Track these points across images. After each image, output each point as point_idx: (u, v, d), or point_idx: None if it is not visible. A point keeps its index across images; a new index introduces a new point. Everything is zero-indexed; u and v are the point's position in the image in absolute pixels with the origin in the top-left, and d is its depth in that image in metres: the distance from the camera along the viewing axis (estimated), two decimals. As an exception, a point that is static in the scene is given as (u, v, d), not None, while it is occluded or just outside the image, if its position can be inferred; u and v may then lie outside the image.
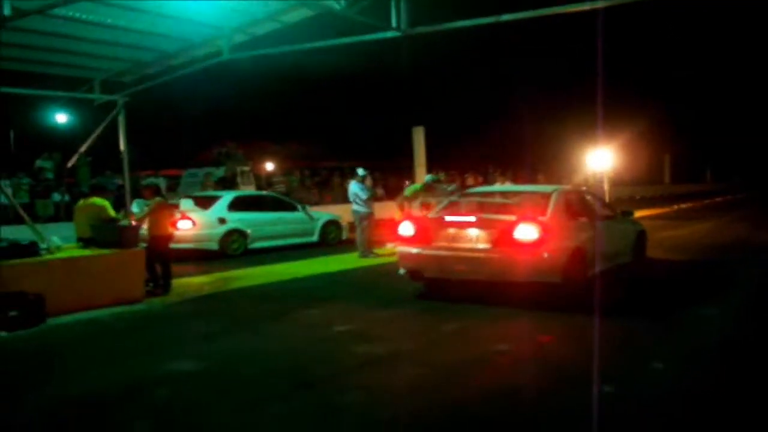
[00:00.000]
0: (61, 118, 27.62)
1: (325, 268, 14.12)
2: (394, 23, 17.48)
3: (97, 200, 11.55)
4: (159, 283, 11.47)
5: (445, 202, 11.90)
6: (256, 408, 5.75)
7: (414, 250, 10.48)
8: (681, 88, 52.03)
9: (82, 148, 16.61)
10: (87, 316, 9.55)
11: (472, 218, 10.22)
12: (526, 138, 43.41)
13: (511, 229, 9.64)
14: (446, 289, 10.65)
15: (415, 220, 10.98)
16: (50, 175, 23.74)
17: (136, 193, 15.51)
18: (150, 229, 11.57)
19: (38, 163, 24.52)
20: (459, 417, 5.50)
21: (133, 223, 11.60)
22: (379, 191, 24.91)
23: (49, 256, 10.05)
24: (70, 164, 17.17)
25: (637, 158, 45.41)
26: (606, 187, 28.88)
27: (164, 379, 6.61)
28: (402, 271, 10.83)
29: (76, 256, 10.38)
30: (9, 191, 21.20)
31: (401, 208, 14.94)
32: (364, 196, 15.44)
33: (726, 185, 62.74)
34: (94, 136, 16.63)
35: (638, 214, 19.85)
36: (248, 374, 6.73)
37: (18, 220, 13.33)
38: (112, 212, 11.45)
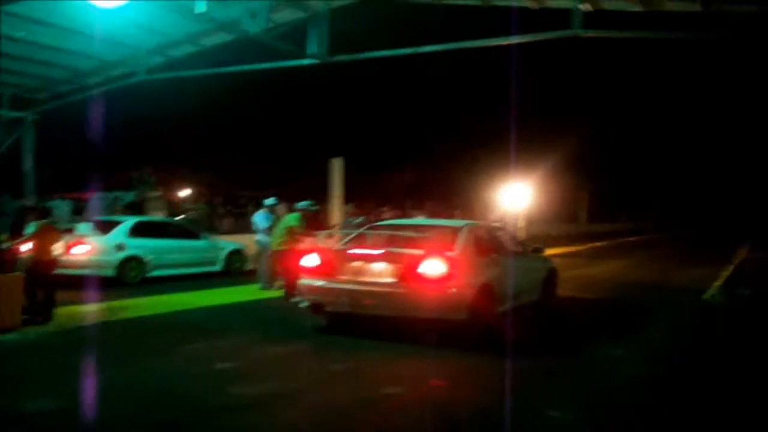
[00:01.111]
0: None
1: (222, 300, 13.40)
2: (312, 50, 17.15)
3: (-24, 221, 10.65)
4: (39, 311, 10.60)
5: (353, 234, 11.43)
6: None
7: (317, 283, 9.96)
8: (600, 127, 52.96)
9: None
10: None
11: (377, 251, 9.79)
12: (446, 174, 43.42)
13: (418, 263, 9.21)
14: (349, 324, 10.12)
15: (320, 252, 10.45)
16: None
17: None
18: (34, 253, 10.76)
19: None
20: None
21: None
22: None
23: None
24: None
25: (554, 195, 45.79)
26: (520, 224, 28.85)
27: (17, 419, 5.89)
28: (304, 304, 10.29)
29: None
30: None
31: (293, 239, 13.92)
32: (265, 225, 14.84)
33: (639, 225, 63.93)
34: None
35: (552, 251, 19.74)
36: (106, 415, 6.03)
37: None
38: (-8, 234, 10.56)
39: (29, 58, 14.75)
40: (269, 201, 15.03)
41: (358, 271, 9.65)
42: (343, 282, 9.70)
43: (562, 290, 14.08)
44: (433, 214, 29.70)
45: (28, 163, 18.94)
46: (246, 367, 7.91)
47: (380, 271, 9.48)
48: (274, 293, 14.11)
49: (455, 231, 10.32)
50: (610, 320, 12.19)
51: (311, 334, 9.93)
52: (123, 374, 7.56)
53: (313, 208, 14.36)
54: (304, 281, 10.18)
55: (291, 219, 13.95)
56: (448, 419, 6.06)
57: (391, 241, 10.40)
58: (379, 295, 9.37)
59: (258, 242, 15.15)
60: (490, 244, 11.12)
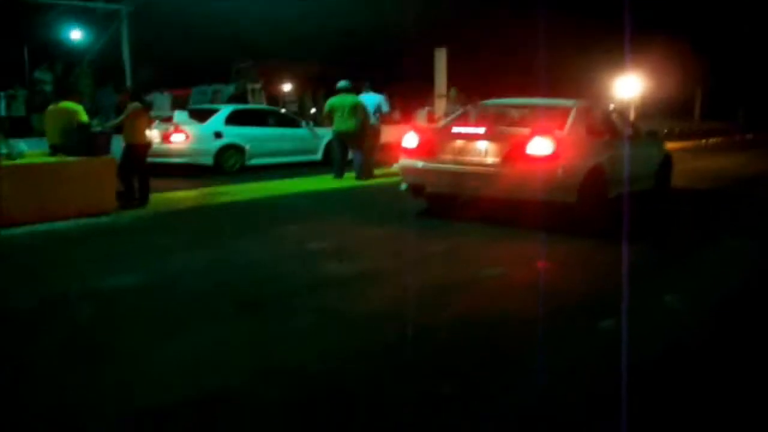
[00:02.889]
0: (75, 34, 26.36)
1: (321, 186, 12.99)
2: None
3: (69, 104, 10.26)
4: (135, 195, 10.42)
5: (456, 113, 10.72)
6: (180, 332, 4.74)
7: (417, 164, 9.35)
8: (720, 21, 49.55)
9: (84, 60, 15.70)
10: (44, 227, 8.42)
11: (481, 130, 9.07)
12: (555, 65, 41.82)
13: (525, 142, 8.48)
14: (451, 208, 9.59)
15: (420, 131, 9.81)
16: (48, 88, 22.63)
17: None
18: (125, 136, 10.51)
19: (36, 74, 23.41)
20: (417, 348, 4.47)
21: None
22: (396, 115, 23.67)
23: (4, 162, 8.93)
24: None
25: (667, 91, 43.60)
26: (632, 116, 27.46)
27: (94, 294, 5.59)
28: (403, 186, 9.75)
29: (36, 163, 9.26)
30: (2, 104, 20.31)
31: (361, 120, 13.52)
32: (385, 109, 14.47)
33: (757, 122, 60.56)
34: (96, 47, 15.76)
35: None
36: (192, 292, 5.70)
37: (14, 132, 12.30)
38: (84, 117, 10.21)
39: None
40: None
41: (461, 151, 8.99)
42: (444, 162, 9.07)
43: (676, 181, 13.07)
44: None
45: (125, 54, 18.85)
46: (338, 248, 7.46)
47: (485, 151, 8.80)
48: (374, 180, 13.56)
49: (565, 110, 9.45)
50: (729, 212, 11.16)
51: (410, 218, 9.41)
52: (211, 254, 7.23)
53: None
54: (404, 162, 9.60)
55: (356, 99, 13.51)
56: (555, 298, 5.47)
57: (497, 120, 9.68)
58: (484, 176, 8.73)
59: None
60: (603, 125, 10.27)
